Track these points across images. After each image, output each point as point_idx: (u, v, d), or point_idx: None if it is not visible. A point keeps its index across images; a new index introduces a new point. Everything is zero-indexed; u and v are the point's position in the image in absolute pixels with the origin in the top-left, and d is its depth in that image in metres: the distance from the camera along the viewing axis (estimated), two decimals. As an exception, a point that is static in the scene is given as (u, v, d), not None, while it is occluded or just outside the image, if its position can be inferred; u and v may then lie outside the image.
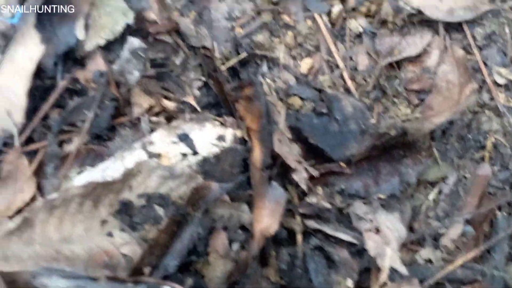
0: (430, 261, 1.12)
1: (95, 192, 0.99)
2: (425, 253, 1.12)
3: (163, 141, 1.12)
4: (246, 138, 1.13)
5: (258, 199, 1.01)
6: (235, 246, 1.08)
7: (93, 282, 0.83)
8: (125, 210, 1.04)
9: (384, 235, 1.04)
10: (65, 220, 0.97)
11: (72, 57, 1.26)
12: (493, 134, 1.24)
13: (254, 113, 1.11)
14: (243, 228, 1.11)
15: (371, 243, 1.03)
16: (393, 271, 1.03)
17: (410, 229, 1.15)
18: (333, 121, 1.16)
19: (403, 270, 1.01)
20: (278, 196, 1.01)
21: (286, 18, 1.37)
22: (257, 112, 1.10)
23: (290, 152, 1.10)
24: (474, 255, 1.11)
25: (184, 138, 1.12)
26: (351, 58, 1.33)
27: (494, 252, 1.12)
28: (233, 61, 1.28)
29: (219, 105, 1.29)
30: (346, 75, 1.31)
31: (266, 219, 0.98)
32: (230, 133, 1.13)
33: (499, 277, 1.09)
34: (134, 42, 1.16)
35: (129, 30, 1.26)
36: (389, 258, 1.00)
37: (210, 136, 1.12)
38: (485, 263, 1.12)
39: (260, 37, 1.34)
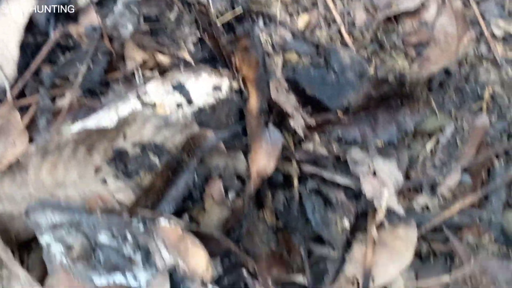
0: (427, 208, 1.10)
1: (89, 139, 0.97)
2: (422, 200, 1.11)
3: (158, 91, 1.10)
4: (242, 88, 1.11)
5: (255, 142, 1.00)
6: (231, 194, 1.06)
7: (89, 214, 0.82)
8: (119, 158, 1.02)
9: (381, 180, 1.03)
10: (58, 166, 0.95)
11: (65, 12, 1.23)
12: (491, 85, 1.22)
13: (250, 62, 1.10)
14: (239, 177, 1.09)
15: (368, 186, 1.01)
16: (390, 213, 1.01)
17: (407, 177, 1.14)
18: (331, 72, 1.15)
19: (400, 210, 0.99)
20: (275, 138, 1.00)
21: (282, -28, 1.34)
22: (254, 61, 1.08)
23: (287, 100, 1.08)
24: (472, 202, 1.10)
25: (179, 88, 1.10)
26: (348, 13, 1.31)
27: (491, 199, 1.10)
28: (228, 16, 1.26)
29: (214, 59, 1.27)
30: (343, 30, 1.30)
31: (263, 161, 0.97)
32: (226, 83, 1.12)
33: (496, 223, 1.08)
34: (129, -6, 1.14)
35: (121, -16, 1.23)
36: (386, 199, 0.98)
37: (205, 86, 1.11)
38: (483, 210, 1.10)
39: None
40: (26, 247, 1.02)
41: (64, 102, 1.18)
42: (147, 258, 0.84)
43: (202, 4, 1.28)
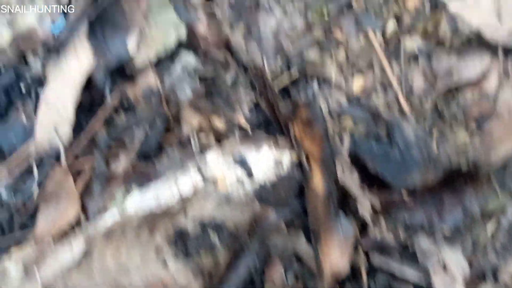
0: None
1: (152, 219, 0.95)
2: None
3: (218, 163, 1.07)
4: (304, 164, 1.08)
5: (325, 234, 0.96)
6: (290, 276, 1.03)
7: None
8: (180, 238, 1.00)
9: (451, 273, 1.00)
10: (122, 249, 0.93)
11: (121, 71, 1.21)
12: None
13: (313, 138, 1.07)
14: (297, 257, 1.06)
15: (439, 282, 0.98)
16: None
17: (470, 264, 1.10)
18: (395, 148, 1.11)
19: None
20: (347, 230, 0.96)
21: (337, 34, 1.32)
22: (318, 137, 1.06)
23: (353, 181, 1.05)
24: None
25: (241, 161, 1.07)
26: (406, 79, 1.28)
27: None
28: (285, 80, 1.23)
29: (270, 124, 1.24)
30: (401, 97, 1.26)
31: (335, 257, 0.93)
32: (287, 158, 1.09)
33: None
34: (188, 59, 1.12)
35: (180, 45, 1.21)
36: None
37: (267, 160, 1.08)
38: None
39: (311, 54, 1.29)
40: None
41: (118, 166, 1.15)
42: None
43: (258, 67, 1.25)
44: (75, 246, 0.92)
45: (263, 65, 1.26)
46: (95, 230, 0.91)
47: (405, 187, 1.09)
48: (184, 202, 0.99)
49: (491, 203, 1.15)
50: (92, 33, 1.15)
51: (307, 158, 1.09)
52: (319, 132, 1.06)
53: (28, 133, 1.30)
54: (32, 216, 1.19)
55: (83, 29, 1.13)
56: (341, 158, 1.07)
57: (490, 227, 1.13)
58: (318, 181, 1.04)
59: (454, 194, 1.12)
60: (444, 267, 1.01)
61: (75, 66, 1.13)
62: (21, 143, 1.29)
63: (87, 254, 0.91)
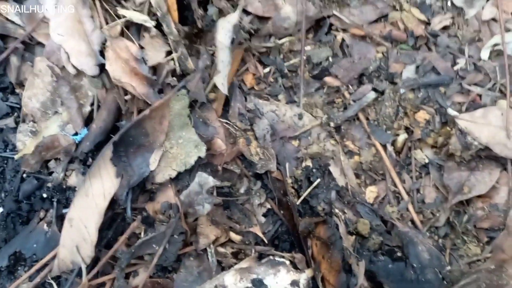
0: None
1: None
2: None
3: (236, 285, 1.09)
4: (319, 284, 1.11)
5: None
6: None
7: None
8: None
9: None
10: None
11: (141, 186, 1.25)
12: None
13: (331, 264, 1.10)
14: None
15: None
16: None
17: None
18: (410, 268, 1.14)
19: None
20: None
21: (350, 144, 1.36)
22: (335, 264, 1.09)
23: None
24: None
25: (259, 284, 1.10)
26: (418, 191, 1.31)
27: None
28: (306, 191, 1.26)
29: (286, 233, 1.27)
30: (411, 209, 1.29)
31: None
32: (303, 279, 1.11)
33: None
34: (207, 179, 1.15)
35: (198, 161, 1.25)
36: None
37: (284, 281, 1.10)
38: None
39: (325, 161, 1.33)
40: None
41: (137, 281, 1.18)
42: None
43: (277, 177, 1.29)
44: None
45: (285, 171, 1.29)
46: None
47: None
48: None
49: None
50: (116, 154, 1.18)
51: (323, 281, 1.11)
52: (336, 260, 1.09)
53: (49, 241, 1.33)
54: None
55: (108, 151, 1.17)
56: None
57: None
58: None
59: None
60: None
61: (99, 189, 1.17)
62: (42, 251, 1.33)
63: None
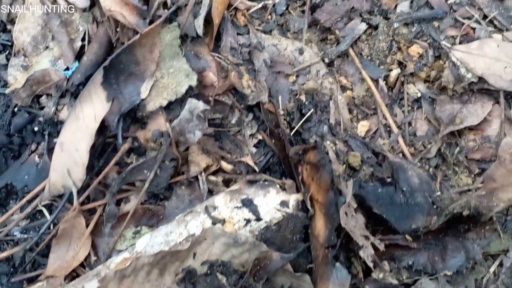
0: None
1: (163, 261, 0.97)
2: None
3: (226, 205, 1.10)
4: (309, 206, 1.11)
5: (322, 281, 0.98)
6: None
7: None
8: (188, 278, 1.01)
9: None
10: (133, 289, 0.94)
11: (132, 115, 1.24)
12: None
13: (320, 184, 1.10)
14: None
15: None
16: None
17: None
18: (399, 192, 1.14)
19: None
20: (342, 278, 0.99)
21: (343, 80, 1.35)
22: (324, 184, 1.09)
23: (357, 226, 1.07)
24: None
25: (248, 203, 1.10)
26: (409, 124, 1.31)
27: None
28: (298, 122, 1.26)
29: (277, 164, 1.27)
30: (402, 141, 1.29)
31: None
32: (293, 199, 1.12)
33: None
34: (197, 104, 1.15)
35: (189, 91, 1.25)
36: None
37: (273, 202, 1.11)
38: None
39: (320, 97, 1.33)
40: None
41: (128, 206, 1.18)
42: None
43: (270, 108, 1.29)
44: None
45: (278, 103, 1.28)
46: (107, 271, 0.93)
47: (408, 231, 1.11)
48: (193, 244, 1.01)
49: (494, 245, 1.17)
50: (106, 80, 1.18)
51: (312, 202, 1.12)
52: (325, 179, 1.09)
53: (41, 172, 1.32)
54: (44, 255, 1.21)
55: (98, 76, 1.17)
56: (346, 206, 1.09)
57: (493, 267, 1.15)
58: (320, 227, 1.07)
59: (456, 238, 1.14)
60: None
61: (90, 112, 1.16)
62: (33, 182, 1.33)
63: None
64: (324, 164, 1.09)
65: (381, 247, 1.07)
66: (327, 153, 1.14)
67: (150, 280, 0.97)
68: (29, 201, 1.26)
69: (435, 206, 1.14)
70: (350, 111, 1.34)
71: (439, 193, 1.17)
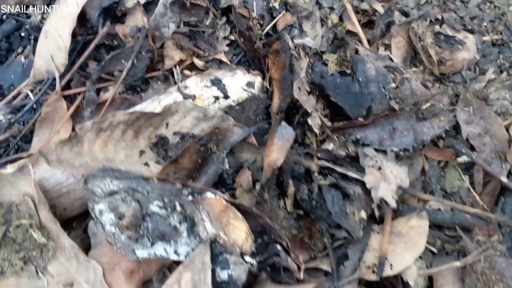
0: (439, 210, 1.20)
1: (137, 123, 1.06)
2: (435, 204, 1.20)
3: (197, 85, 1.20)
4: (268, 87, 1.22)
5: (270, 138, 1.09)
6: (258, 185, 1.15)
7: (145, 182, 0.91)
8: (161, 144, 1.11)
9: (385, 175, 1.12)
10: (109, 144, 1.04)
11: (112, 14, 1.34)
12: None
13: (279, 64, 1.21)
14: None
15: (370, 177, 1.11)
16: (404, 207, 1.12)
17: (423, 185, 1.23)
18: (356, 82, 1.24)
19: (393, 203, 1.09)
20: (287, 134, 1.10)
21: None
22: (282, 63, 1.19)
23: (308, 100, 1.18)
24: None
25: (217, 82, 1.20)
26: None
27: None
28: (269, 26, 1.37)
29: (247, 62, 1.38)
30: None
31: (274, 154, 1.06)
32: (258, 81, 1.22)
33: (506, 226, 1.17)
34: (171, -2, 1.25)
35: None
36: (381, 189, 1.08)
37: (240, 82, 1.21)
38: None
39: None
40: (67, 226, 1.11)
41: (107, 95, 1.27)
42: (192, 229, 0.92)
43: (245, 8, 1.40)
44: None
45: (252, 7, 1.39)
46: (86, 124, 1.02)
47: (361, 117, 1.22)
48: (167, 113, 1.11)
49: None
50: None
51: (271, 82, 1.23)
52: (283, 60, 1.20)
53: (26, 70, 1.42)
54: (27, 141, 1.30)
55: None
56: (299, 81, 1.20)
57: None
58: (275, 99, 1.18)
59: (408, 122, 1.24)
60: (380, 169, 1.13)
61: (73, 1, 1.26)
62: (19, 80, 1.42)
63: (78, 140, 1.02)
64: (283, 48, 1.20)
65: (328, 124, 1.18)
66: (288, 41, 1.24)
67: (125, 140, 1.07)
68: (14, 97, 1.34)
69: (388, 97, 1.23)
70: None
71: (393, 85, 1.27)
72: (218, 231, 0.91)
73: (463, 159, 1.25)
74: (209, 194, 0.90)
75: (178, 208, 0.91)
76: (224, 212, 0.90)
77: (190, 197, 0.90)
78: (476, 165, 1.24)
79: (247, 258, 0.91)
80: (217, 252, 0.92)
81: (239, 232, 0.90)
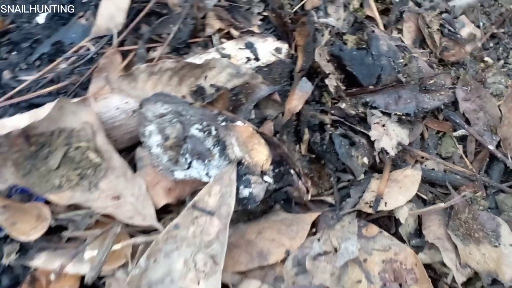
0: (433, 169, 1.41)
1: (182, 71, 1.28)
2: (430, 164, 1.41)
3: (233, 47, 1.42)
4: (293, 50, 1.44)
5: (292, 89, 1.32)
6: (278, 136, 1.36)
7: (189, 106, 1.13)
8: (200, 93, 1.34)
9: (388, 131, 1.32)
10: (158, 86, 1.26)
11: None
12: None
13: (303, 33, 1.43)
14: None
15: (375, 132, 1.31)
16: (401, 161, 1.32)
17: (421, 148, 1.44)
18: (369, 55, 1.45)
19: (391, 152, 1.29)
20: (306, 87, 1.32)
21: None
22: (306, 32, 1.41)
23: (327, 65, 1.40)
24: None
25: (250, 46, 1.42)
26: None
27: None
28: (298, 6, 1.61)
29: (277, 36, 1.60)
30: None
31: (295, 101, 1.28)
32: (285, 47, 1.44)
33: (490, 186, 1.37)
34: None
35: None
36: (383, 141, 1.29)
37: (270, 47, 1.43)
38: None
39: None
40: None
41: (155, 54, 1.51)
42: (223, 151, 1.14)
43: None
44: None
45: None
46: (141, 66, 1.25)
47: (372, 85, 1.43)
48: (207, 67, 1.33)
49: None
50: None
51: (296, 49, 1.45)
52: (307, 30, 1.43)
53: (86, 31, 1.65)
54: (84, 89, 1.54)
55: None
56: (321, 48, 1.42)
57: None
58: (299, 62, 1.40)
59: (412, 93, 1.45)
60: (384, 126, 1.35)
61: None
62: (79, 39, 1.64)
63: (134, 77, 1.25)
64: (309, 21, 1.42)
65: (343, 88, 1.40)
66: (313, 16, 1.47)
67: (171, 84, 1.29)
68: (75, 51, 1.58)
69: (396, 70, 1.44)
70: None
71: (402, 60, 1.48)
72: (244, 154, 1.12)
73: (458, 133, 1.45)
74: (239, 122, 1.12)
75: (213, 132, 1.12)
76: (250, 138, 1.12)
77: (223, 123, 1.12)
78: (469, 136, 1.44)
79: (266, 178, 1.12)
80: (241, 173, 1.13)
81: (261, 156, 1.12)
